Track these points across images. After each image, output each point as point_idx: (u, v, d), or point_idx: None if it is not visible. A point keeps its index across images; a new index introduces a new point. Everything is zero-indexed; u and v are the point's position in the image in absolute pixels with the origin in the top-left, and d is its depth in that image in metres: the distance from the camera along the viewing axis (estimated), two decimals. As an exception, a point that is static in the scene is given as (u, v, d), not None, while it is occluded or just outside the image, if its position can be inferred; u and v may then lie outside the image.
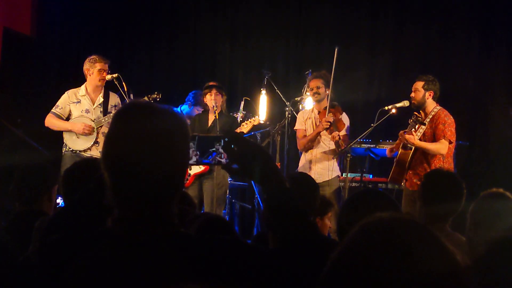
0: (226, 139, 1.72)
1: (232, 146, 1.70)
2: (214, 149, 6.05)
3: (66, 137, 6.51)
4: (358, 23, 9.15)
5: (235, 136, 1.73)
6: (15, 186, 3.79)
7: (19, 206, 3.74)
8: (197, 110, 7.60)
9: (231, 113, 7.46)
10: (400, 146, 6.30)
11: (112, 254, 1.59)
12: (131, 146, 1.59)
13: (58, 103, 6.59)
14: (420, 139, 6.17)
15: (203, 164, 6.34)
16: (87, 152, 6.46)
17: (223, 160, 1.62)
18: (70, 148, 6.49)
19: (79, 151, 6.47)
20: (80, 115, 6.52)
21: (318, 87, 6.76)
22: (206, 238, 1.65)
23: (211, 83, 7.13)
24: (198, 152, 6.13)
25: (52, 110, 6.57)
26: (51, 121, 6.55)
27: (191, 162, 6.15)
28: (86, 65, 6.60)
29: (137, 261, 1.56)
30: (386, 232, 1.20)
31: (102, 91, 6.68)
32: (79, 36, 9.29)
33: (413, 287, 1.13)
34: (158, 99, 6.77)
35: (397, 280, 1.13)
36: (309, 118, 6.89)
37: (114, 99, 6.75)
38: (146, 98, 6.71)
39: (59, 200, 5.33)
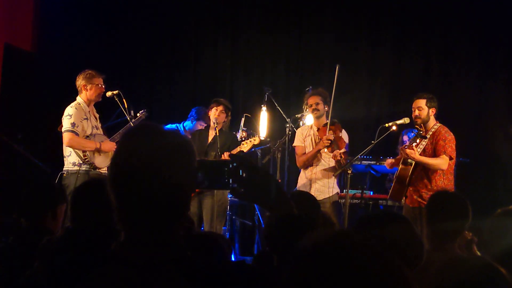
0: (234, 164, 1.72)
1: (240, 171, 1.70)
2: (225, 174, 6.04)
3: (89, 155, 6.23)
4: (358, 42, 9.19)
5: (243, 161, 1.73)
6: (21, 202, 3.85)
7: (25, 222, 3.78)
8: (200, 125, 7.59)
9: (232, 132, 7.43)
10: (400, 162, 6.30)
11: (117, 277, 1.58)
12: (137, 169, 1.59)
13: (73, 120, 6.24)
14: (420, 155, 6.17)
15: (215, 188, 6.33)
16: (103, 170, 6.29)
17: (234, 185, 1.61)
18: (92, 167, 6.23)
19: (100, 168, 6.29)
20: (94, 132, 6.38)
21: (317, 104, 6.78)
22: (212, 263, 1.65)
23: (221, 99, 7.13)
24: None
25: (70, 129, 6.20)
26: (78, 141, 6.22)
27: (203, 185, 6.17)
28: (82, 81, 6.42)
29: (142, 284, 1.55)
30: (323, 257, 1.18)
31: (93, 107, 6.60)
32: (80, 52, 9.29)
33: None
34: (144, 117, 6.73)
35: None
36: (308, 135, 6.89)
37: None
38: (138, 114, 6.71)
39: None
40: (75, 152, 6.27)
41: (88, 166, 6.24)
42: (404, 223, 2.72)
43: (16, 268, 3.20)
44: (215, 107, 7.00)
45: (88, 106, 6.45)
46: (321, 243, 1.20)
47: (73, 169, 6.26)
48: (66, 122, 6.27)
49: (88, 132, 6.35)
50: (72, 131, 6.22)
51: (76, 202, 2.84)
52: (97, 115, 6.62)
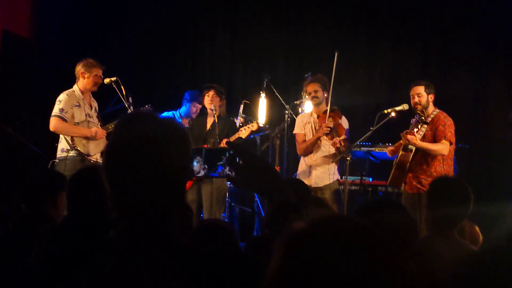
0: (231, 152, 1.70)
1: (237, 159, 1.68)
2: (221, 162, 6.05)
3: (76, 141, 6.26)
4: (357, 30, 9.16)
5: (240, 149, 1.71)
6: (22, 188, 3.87)
7: (25, 209, 3.80)
8: (194, 107, 7.56)
9: (231, 118, 7.43)
10: (401, 148, 6.29)
11: (112, 266, 1.57)
12: (131, 156, 1.58)
13: (62, 106, 6.27)
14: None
15: (211, 177, 6.33)
16: (93, 157, 6.33)
17: (231, 173, 1.59)
18: (79, 152, 6.24)
19: (90, 155, 6.30)
20: (86, 119, 6.39)
21: (316, 91, 6.75)
22: (208, 251, 1.63)
23: (211, 84, 7.12)
24: (206, 166, 6.14)
25: (58, 114, 6.25)
26: (62, 126, 6.24)
27: (199, 175, 6.20)
28: (81, 68, 6.45)
29: (137, 273, 1.54)
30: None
31: (91, 95, 6.61)
32: (78, 39, 9.27)
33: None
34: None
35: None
36: (308, 122, 6.87)
37: (96, 104, 6.72)
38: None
39: None
40: (65, 138, 6.32)
41: (76, 152, 6.26)
42: (398, 208, 2.74)
43: (16, 255, 3.19)
44: (206, 94, 7.01)
45: (82, 94, 6.48)
46: (313, 225, 1.17)
47: (62, 155, 6.31)
48: (55, 107, 6.32)
49: (81, 119, 6.38)
50: (59, 116, 6.26)
51: (72, 190, 2.83)
52: (95, 104, 6.63)
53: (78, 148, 6.26)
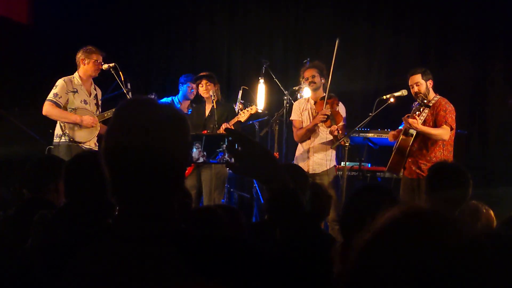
0: (230, 139, 1.71)
1: (236, 145, 1.69)
2: (220, 149, 6.07)
3: (67, 127, 6.32)
4: (356, 15, 9.13)
5: (239, 136, 1.71)
6: (25, 173, 3.91)
7: (27, 193, 3.82)
8: (189, 86, 7.54)
9: (229, 103, 7.43)
10: (402, 132, 6.28)
11: (112, 251, 1.58)
12: (130, 141, 1.58)
13: (56, 91, 6.34)
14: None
15: (210, 163, 6.35)
16: (86, 144, 6.38)
17: (231, 160, 1.58)
18: (70, 139, 6.28)
19: (81, 142, 6.33)
20: (81, 106, 6.42)
21: (313, 76, 6.76)
22: (207, 236, 1.64)
23: (200, 74, 7.12)
24: (205, 153, 6.16)
25: (51, 99, 6.32)
26: (53, 111, 6.30)
27: (199, 162, 6.20)
28: (81, 55, 6.51)
29: (137, 258, 1.55)
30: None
31: (93, 82, 6.66)
32: (76, 25, 9.23)
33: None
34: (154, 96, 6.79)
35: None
36: (305, 109, 6.87)
37: (100, 92, 6.76)
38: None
39: None
40: (59, 124, 6.38)
41: (67, 138, 6.31)
42: (383, 192, 2.76)
43: (18, 240, 3.20)
44: (199, 85, 7.03)
45: (82, 80, 6.52)
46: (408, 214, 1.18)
47: (56, 141, 6.39)
48: (50, 92, 6.40)
49: (77, 106, 6.42)
50: (52, 101, 6.33)
51: (70, 176, 2.83)
52: (95, 91, 6.65)
53: (70, 134, 6.31)
